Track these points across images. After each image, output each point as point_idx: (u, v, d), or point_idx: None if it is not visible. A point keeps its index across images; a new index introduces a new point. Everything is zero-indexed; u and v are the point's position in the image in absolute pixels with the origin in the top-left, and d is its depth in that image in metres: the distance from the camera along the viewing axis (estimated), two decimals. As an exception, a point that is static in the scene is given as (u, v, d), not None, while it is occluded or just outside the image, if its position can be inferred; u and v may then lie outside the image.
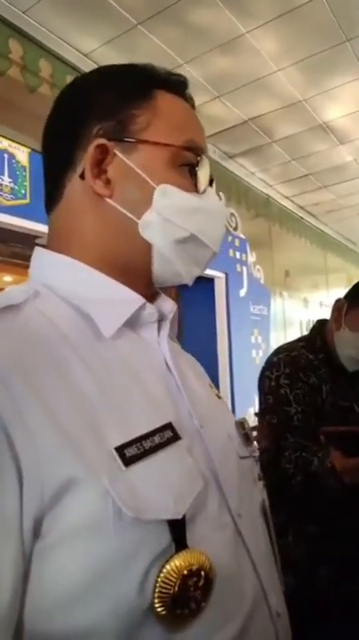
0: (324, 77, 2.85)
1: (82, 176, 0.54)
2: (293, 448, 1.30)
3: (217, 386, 3.47)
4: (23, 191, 2.11)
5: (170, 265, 0.56)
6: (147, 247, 0.55)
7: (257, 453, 0.64)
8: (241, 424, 0.64)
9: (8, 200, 2.05)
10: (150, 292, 0.59)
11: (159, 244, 0.55)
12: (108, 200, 0.54)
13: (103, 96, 0.56)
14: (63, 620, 0.39)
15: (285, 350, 1.45)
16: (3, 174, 2.04)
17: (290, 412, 1.34)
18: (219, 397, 0.67)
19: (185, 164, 0.56)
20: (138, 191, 0.54)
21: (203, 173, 0.57)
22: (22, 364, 0.43)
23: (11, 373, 0.42)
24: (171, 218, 0.54)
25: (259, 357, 3.75)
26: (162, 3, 2.21)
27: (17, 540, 0.39)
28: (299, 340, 1.53)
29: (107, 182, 0.54)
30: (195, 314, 3.53)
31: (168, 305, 0.60)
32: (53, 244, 0.58)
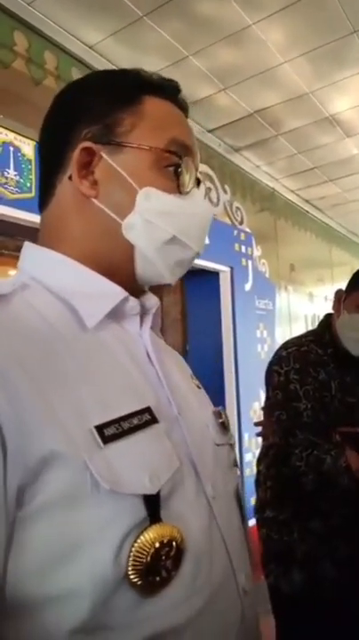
0: (331, 69, 2.82)
1: (71, 177, 0.57)
2: (303, 445, 1.29)
3: (222, 380, 3.49)
4: (29, 184, 2.11)
5: (152, 266, 0.59)
6: (131, 248, 0.58)
7: (232, 441, 0.68)
8: (218, 413, 0.68)
9: (13, 193, 2.05)
10: (136, 288, 0.61)
11: (142, 245, 0.57)
12: (94, 200, 0.57)
13: (92, 100, 0.58)
14: (41, 584, 0.42)
15: (295, 345, 1.44)
16: (8, 167, 2.04)
17: (299, 407, 1.34)
18: (199, 388, 0.70)
19: (169, 165, 0.58)
20: (122, 193, 0.57)
21: (188, 174, 0.59)
22: (13, 349, 0.46)
23: (2, 356, 0.44)
24: (153, 220, 0.56)
25: (265, 352, 3.74)
26: (167, -6, 2.19)
27: (1, 509, 0.41)
28: (308, 334, 1.52)
29: (94, 183, 0.57)
30: (200, 308, 3.53)
31: (152, 301, 0.63)
32: (43, 240, 0.60)
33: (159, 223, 0.57)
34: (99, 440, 0.45)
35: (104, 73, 0.64)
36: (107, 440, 0.45)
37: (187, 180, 0.59)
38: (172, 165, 0.58)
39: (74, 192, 0.57)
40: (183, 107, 0.63)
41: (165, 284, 0.62)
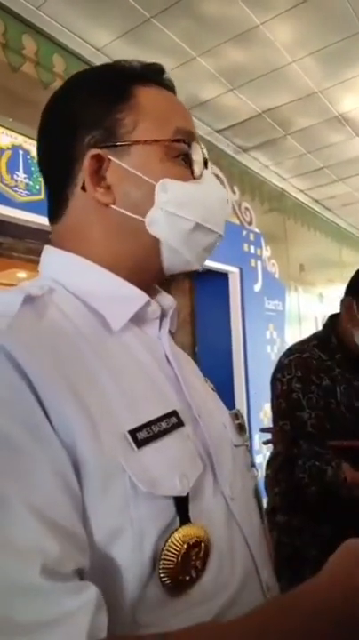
0: (340, 68, 2.80)
1: (83, 188, 0.57)
2: (307, 456, 1.28)
3: (231, 382, 3.47)
4: (38, 187, 2.12)
5: (179, 255, 0.59)
6: (156, 242, 0.58)
7: (248, 442, 0.69)
8: (235, 415, 0.68)
9: (23, 196, 2.06)
10: (151, 287, 0.62)
11: (167, 237, 0.57)
12: (112, 206, 0.56)
13: (86, 106, 0.57)
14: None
15: (297, 351, 1.42)
16: (18, 170, 2.05)
17: (303, 417, 1.32)
18: (214, 390, 0.71)
19: (178, 154, 0.58)
20: (139, 191, 0.56)
21: (197, 158, 0.59)
22: (52, 351, 0.47)
23: (45, 360, 0.45)
24: (174, 211, 0.56)
25: (275, 353, 3.73)
26: (175, -5, 2.19)
27: (67, 465, 0.42)
28: (311, 338, 1.49)
29: (108, 188, 0.56)
30: (209, 309, 3.52)
31: (167, 301, 0.63)
32: (62, 247, 0.60)
33: (181, 213, 0.56)
34: (134, 444, 0.46)
35: (87, 75, 0.63)
36: (140, 444, 0.46)
37: (198, 163, 0.59)
38: (182, 154, 0.58)
39: (89, 202, 0.57)
40: (171, 87, 0.62)
41: (193, 270, 0.62)
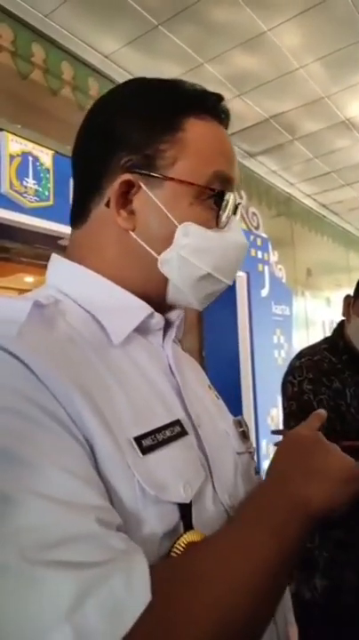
0: (347, 73, 2.80)
1: (107, 204, 0.56)
2: None
3: (239, 387, 3.46)
4: (47, 193, 2.14)
5: (184, 295, 0.59)
6: (164, 280, 0.58)
7: (252, 449, 0.69)
8: (238, 422, 0.68)
9: (32, 202, 2.08)
10: (164, 306, 0.62)
11: (175, 280, 0.57)
12: (131, 233, 0.56)
13: (130, 127, 0.56)
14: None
15: (307, 354, 1.43)
16: (27, 177, 2.07)
17: None
18: (218, 398, 0.71)
19: (210, 197, 0.57)
20: (160, 228, 0.56)
21: (227, 207, 0.58)
22: (63, 357, 0.47)
23: (56, 364, 0.45)
24: (189, 257, 0.56)
25: (282, 358, 3.71)
26: (182, 2, 2.21)
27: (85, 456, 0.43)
28: (322, 342, 1.51)
29: (131, 213, 0.56)
30: (216, 314, 3.52)
31: (175, 312, 0.63)
32: (74, 255, 0.60)
33: (195, 261, 0.56)
34: (139, 451, 0.46)
35: (140, 91, 0.60)
36: (145, 451, 0.47)
37: (226, 213, 0.58)
38: (213, 197, 0.56)
39: (109, 219, 0.56)
40: (225, 118, 0.61)
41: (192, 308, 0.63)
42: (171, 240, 0.56)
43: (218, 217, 0.57)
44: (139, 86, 0.61)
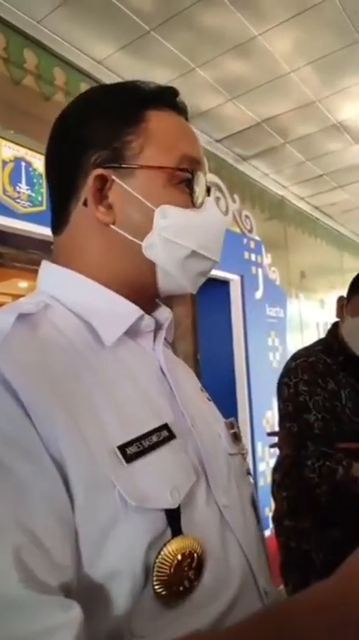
0: (338, 77, 2.83)
1: (85, 204, 0.58)
2: (315, 457, 1.29)
3: (234, 389, 3.46)
4: (40, 198, 2.14)
5: (174, 279, 0.60)
6: (152, 266, 0.59)
7: (244, 451, 0.69)
8: (230, 424, 0.69)
9: (25, 207, 2.08)
10: (152, 302, 0.63)
11: (162, 262, 0.59)
12: (112, 226, 0.58)
13: (96, 126, 0.58)
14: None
15: (303, 356, 1.44)
16: (20, 182, 2.07)
17: (309, 419, 1.33)
18: (209, 400, 0.72)
19: (181, 181, 0.59)
20: (139, 215, 0.57)
21: (199, 186, 0.60)
22: (45, 369, 0.47)
23: (38, 378, 0.46)
24: (171, 238, 0.57)
25: (276, 360, 3.72)
26: (174, 8, 2.22)
27: (62, 494, 0.43)
28: (317, 344, 1.52)
29: (109, 207, 0.58)
30: (210, 317, 3.53)
31: (164, 313, 0.64)
32: (59, 261, 0.61)
33: (177, 240, 0.58)
34: (123, 459, 0.46)
35: (102, 92, 0.64)
36: (129, 459, 0.47)
37: (199, 192, 0.60)
38: (185, 181, 0.59)
39: (89, 218, 0.58)
40: (183, 110, 0.63)
41: (187, 293, 0.63)
42: (151, 225, 0.57)
43: (192, 198, 0.59)
44: (101, 90, 0.65)
